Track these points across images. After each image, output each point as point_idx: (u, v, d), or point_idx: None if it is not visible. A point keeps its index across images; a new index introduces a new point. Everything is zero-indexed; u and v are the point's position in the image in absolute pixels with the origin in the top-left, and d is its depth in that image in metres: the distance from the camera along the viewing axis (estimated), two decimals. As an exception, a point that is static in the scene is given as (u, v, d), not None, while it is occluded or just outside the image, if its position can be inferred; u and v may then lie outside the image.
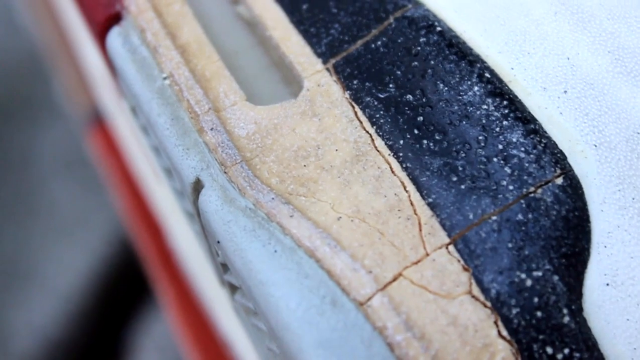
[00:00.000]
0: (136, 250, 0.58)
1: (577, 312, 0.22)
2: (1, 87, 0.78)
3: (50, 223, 0.72)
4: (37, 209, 0.72)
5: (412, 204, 0.23)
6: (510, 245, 0.22)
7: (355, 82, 0.25)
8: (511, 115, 0.23)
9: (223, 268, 0.25)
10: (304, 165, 0.24)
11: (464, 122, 0.24)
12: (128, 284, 0.66)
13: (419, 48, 0.25)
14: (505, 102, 0.24)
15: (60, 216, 0.72)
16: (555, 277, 0.22)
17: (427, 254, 0.22)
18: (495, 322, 0.21)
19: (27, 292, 0.69)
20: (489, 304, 0.21)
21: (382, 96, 0.24)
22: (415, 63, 0.25)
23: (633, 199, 0.23)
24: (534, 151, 0.23)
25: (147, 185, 0.42)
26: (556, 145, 0.23)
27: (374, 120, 0.24)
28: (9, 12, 0.78)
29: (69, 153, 0.76)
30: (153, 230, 0.40)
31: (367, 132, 0.24)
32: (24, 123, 0.77)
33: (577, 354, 0.21)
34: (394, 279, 0.22)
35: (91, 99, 0.48)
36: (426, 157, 0.23)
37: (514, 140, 0.23)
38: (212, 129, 0.24)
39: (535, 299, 0.21)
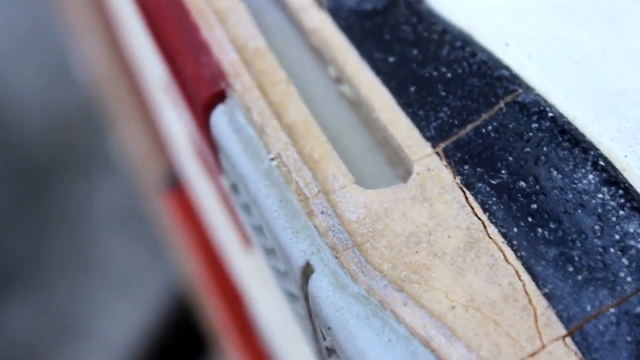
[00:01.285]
0: (194, 309, 0.58)
1: None
2: (57, 140, 0.79)
3: (104, 278, 0.72)
4: (91, 263, 0.73)
5: (527, 293, 0.23)
6: (629, 338, 0.22)
7: (466, 167, 0.25)
8: (627, 205, 0.24)
9: (328, 352, 0.26)
10: (416, 252, 0.24)
11: (579, 211, 0.24)
12: (183, 342, 0.67)
13: (531, 134, 0.25)
14: (620, 191, 0.24)
15: (115, 271, 0.73)
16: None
17: (544, 346, 0.22)
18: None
19: (80, 347, 0.70)
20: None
21: (494, 182, 0.25)
22: (528, 149, 0.25)
23: None
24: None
25: (225, 253, 0.42)
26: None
27: (486, 206, 0.24)
28: (64, 64, 0.79)
29: (124, 208, 0.77)
30: (229, 298, 0.40)
31: (479, 218, 0.24)
32: (79, 177, 0.78)
33: None
34: (514, 373, 0.22)
35: (166, 162, 0.49)
36: (541, 245, 0.23)
37: (631, 230, 0.23)
38: (322, 212, 0.24)
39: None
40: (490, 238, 0.24)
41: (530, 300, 0.23)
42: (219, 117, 0.27)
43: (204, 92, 0.27)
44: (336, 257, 0.24)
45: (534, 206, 0.24)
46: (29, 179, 0.79)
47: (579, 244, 0.23)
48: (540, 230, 0.23)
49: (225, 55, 0.27)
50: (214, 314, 0.42)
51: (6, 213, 0.78)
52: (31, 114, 0.80)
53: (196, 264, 0.42)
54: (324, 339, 0.25)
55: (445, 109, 0.26)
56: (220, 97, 0.27)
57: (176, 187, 0.44)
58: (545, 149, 0.25)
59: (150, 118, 0.50)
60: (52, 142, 0.80)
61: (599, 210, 0.23)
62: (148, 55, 0.35)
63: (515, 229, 0.24)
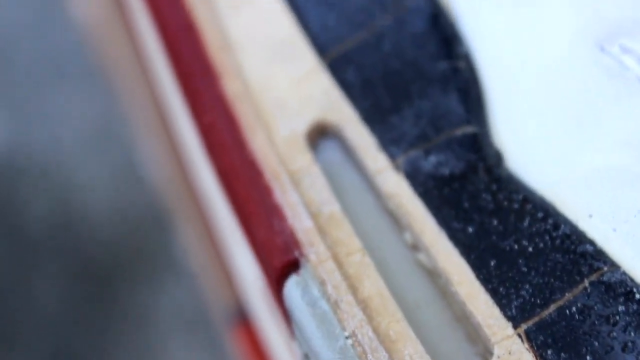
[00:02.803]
0: None
1: None
2: (123, 240, 0.80)
3: (169, 385, 0.72)
4: (156, 369, 0.73)
5: None
6: None
7: (549, 352, 0.24)
8: None
9: None
10: None
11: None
12: None
13: (617, 317, 0.24)
14: None
15: (180, 378, 0.73)
16: None
17: None
18: None
19: None
20: None
21: (579, 370, 0.24)
22: (614, 334, 0.24)
23: None
24: None
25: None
26: None
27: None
28: (132, 163, 0.80)
29: (190, 312, 0.77)
30: None
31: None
32: (146, 279, 0.78)
33: None
34: None
35: (235, 296, 0.49)
36: None
37: None
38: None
39: None
40: None
41: None
42: (292, 288, 0.27)
43: (277, 261, 0.27)
44: None
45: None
46: (96, 279, 0.80)
47: None
48: None
49: (299, 221, 0.27)
50: None
51: (72, 313, 0.79)
52: (98, 213, 0.81)
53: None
54: None
55: (527, 286, 0.25)
56: (293, 266, 0.27)
57: (242, 319, 0.44)
58: (633, 334, 0.24)
59: (221, 253, 0.50)
60: (119, 242, 0.81)
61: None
62: (217, 199, 0.35)
63: None
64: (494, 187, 0.27)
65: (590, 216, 0.26)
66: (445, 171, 0.28)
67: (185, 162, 0.60)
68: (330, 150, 0.30)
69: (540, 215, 0.26)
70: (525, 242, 0.26)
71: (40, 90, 0.88)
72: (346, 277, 0.26)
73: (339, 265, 0.27)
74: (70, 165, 0.84)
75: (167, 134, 0.64)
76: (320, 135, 0.30)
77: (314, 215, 0.28)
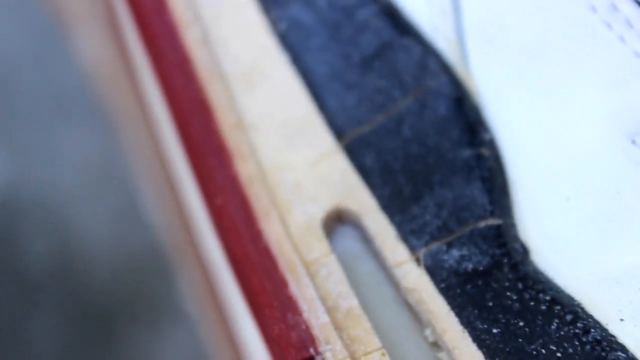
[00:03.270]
0: None
1: None
2: (124, 283, 0.79)
3: None
4: (154, 419, 0.72)
5: None
6: None
7: None
8: None
9: None
10: None
11: None
12: None
13: None
14: None
15: None
16: None
17: None
18: None
19: None
20: None
21: None
22: None
23: None
24: None
25: None
26: None
27: None
28: (134, 205, 0.79)
29: (191, 358, 0.75)
30: None
31: None
32: (146, 325, 0.77)
33: None
34: None
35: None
36: None
37: None
38: None
39: None
40: None
41: None
42: (308, 390, 0.25)
43: (292, 358, 0.26)
44: None
45: None
46: (94, 322, 0.79)
47: None
48: None
49: (315, 316, 0.26)
50: None
51: (69, 357, 0.78)
52: (98, 256, 0.80)
53: None
54: None
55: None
56: (309, 364, 0.26)
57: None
58: None
59: (223, 313, 0.49)
60: (119, 285, 0.79)
61: None
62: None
63: None
64: (520, 285, 0.26)
65: (622, 320, 0.25)
66: (469, 266, 0.27)
67: (186, 212, 0.59)
68: (348, 238, 0.29)
69: (569, 318, 0.25)
70: (553, 347, 0.25)
71: (41, 129, 0.87)
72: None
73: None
74: (71, 207, 0.83)
75: (169, 181, 0.63)
76: (337, 221, 0.29)
77: (331, 310, 0.27)
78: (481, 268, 0.27)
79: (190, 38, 0.31)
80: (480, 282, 0.26)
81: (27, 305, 0.77)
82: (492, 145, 0.28)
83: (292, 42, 0.31)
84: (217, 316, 0.57)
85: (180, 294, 0.74)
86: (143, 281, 0.79)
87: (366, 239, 0.28)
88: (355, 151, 0.29)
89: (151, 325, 0.77)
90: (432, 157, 0.28)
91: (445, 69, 0.29)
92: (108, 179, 0.83)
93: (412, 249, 0.27)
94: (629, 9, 0.28)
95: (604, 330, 0.25)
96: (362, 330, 0.26)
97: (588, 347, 0.25)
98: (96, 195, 0.82)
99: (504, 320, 0.26)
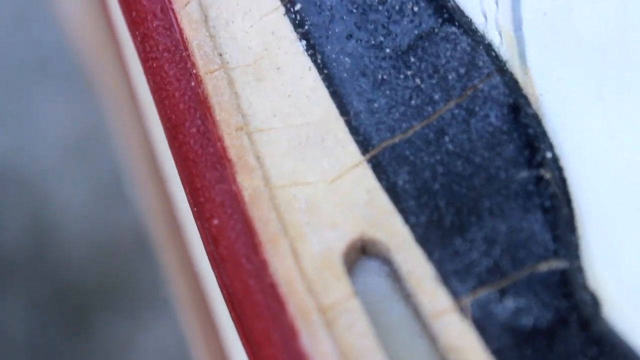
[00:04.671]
0: None
1: None
2: (102, 268, 0.74)
3: None
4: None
5: None
6: None
7: None
8: None
9: None
10: None
11: None
12: None
13: None
14: None
15: None
16: None
17: None
18: None
19: None
20: None
21: None
22: None
23: None
24: None
25: None
26: None
27: None
28: (117, 180, 0.74)
29: (173, 350, 0.71)
30: None
31: None
32: (125, 312, 0.73)
33: None
34: None
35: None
36: None
37: None
38: None
39: None
40: None
41: None
42: None
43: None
44: None
45: None
46: (70, 309, 0.74)
47: None
48: None
49: (333, 378, 0.21)
50: None
51: (42, 346, 0.73)
52: (76, 234, 0.76)
53: None
54: None
55: None
56: None
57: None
58: None
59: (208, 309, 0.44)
60: (97, 268, 0.75)
61: None
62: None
63: None
64: (592, 350, 0.21)
65: None
66: (527, 322, 0.22)
67: (173, 195, 0.54)
68: (374, 276, 0.24)
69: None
70: None
71: (17, 92, 0.82)
72: None
73: None
74: (47, 178, 0.78)
75: (156, 159, 0.58)
76: (361, 254, 0.24)
77: (353, 371, 0.22)
78: (543, 325, 0.22)
79: (186, 17, 0.26)
80: (541, 344, 0.22)
81: (-3, 286, 0.72)
82: (555, 165, 0.23)
83: (309, 28, 0.25)
84: (200, 306, 0.53)
85: (163, 280, 0.70)
86: (124, 264, 0.74)
87: (397, 277, 0.23)
88: (384, 166, 0.24)
89: (131, 313, 0.72)
90: (480, 178, 0.23)
91: (498, 67, 0.24)
92: (89, 150, 0.78)
93: (456, 295, 0.22)
94: None
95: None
96: (391, 398, 0.21)
97: None
98: (75, 167, 0.77)
99: (571, 395, 0.21)
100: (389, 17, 0.25)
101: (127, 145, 0.69)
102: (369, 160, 0.24)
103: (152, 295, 0.74)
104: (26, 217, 0.77)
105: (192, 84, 0.25)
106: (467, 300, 0.22)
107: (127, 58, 0.49)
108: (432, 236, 0.23)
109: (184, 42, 0.26)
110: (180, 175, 0.25)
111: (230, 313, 0.24)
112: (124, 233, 0.76)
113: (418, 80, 0.25)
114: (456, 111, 0.24)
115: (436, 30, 0.25)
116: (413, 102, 0.25)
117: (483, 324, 0.22)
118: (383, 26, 0.25)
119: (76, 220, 0.77)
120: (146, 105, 0.44)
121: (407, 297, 0.23)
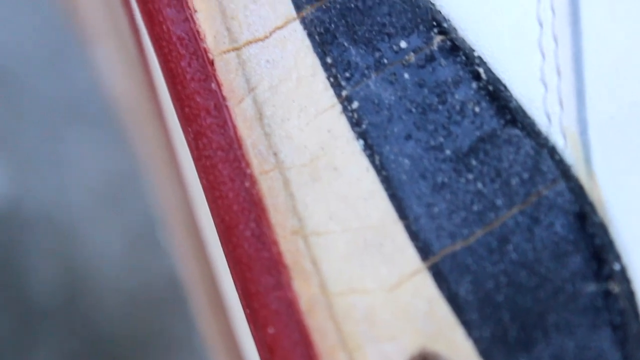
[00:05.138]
0: None
1: None
2: (134, 317, 0.74)
3: None
4: None
5: None
6: None
7: None
8: None
9: None
10: None
11: None
12: None
13: None
14: None
15: None
16: None
17: None
18: None
19: None
20: None
21: None
22: None
23: None
24: None
25: None
26: None
27: None
28: (149, 230, 0.74)
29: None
30: None
31: None
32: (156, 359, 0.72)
33: None
34: None
35: None
36: None
37: None
38: None
39: None
40: None
41: None
42: None
43: None
44: None
45: None
46: (105, 357, 0.74)
47: None
48: None
49: None
50: None
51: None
52: (108, 281, 0.75)
53: None
54: None
55: None
56: None
57: None
58: None
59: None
60: (130, 317, 0.74)
61: None
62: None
63: None
64: None
65: None
66: None
67: (208, 247, 0.54)
68: (435, 391, 0.23)
69: None
70: None
71: (49, 135, 0.82)
72: None
73: None
74: (80, 225, 0.78)
75: (189, 205, 0.58)
76: (422, 367, 0.23)
77: None
78: None
79: (240, 114, 0.25)
80: None
81: (29, 335, 0.72)
82: (624, 278, 0.23)
83: (367, 127, 0.25)
84: (234, 356, 0.53)
85: (197, 329, 0.69)
86: (157, 313, 0.74)
87: (459, 394, 0.22)
88: (445, 274, 0.23)
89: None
90: (546, 291, 0.23)
91: (562, 172, 0.24)
92: (122, 196, 0.78)
93: (521, 415, 0.21)
94: None
95: None
96: None
97: None
98: (108, 214, 0.77)
99: None
100: (449, 118, 0.25)
101: (161, 191, 0.69)
102: (430, 268, 0.24)
103: (185, 345, 0.73)
104: (58, 264, 0.77)
105: (247, 184, 0.25)
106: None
107: (161, 103, 0.49)
108: (496, 351, 0.23)
109: (238, 141, 0.25)
110: (233, 277, 0.25)
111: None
112: (158, 281, 0.76)
113: (480, 185, 0.24)
114: (520, 218, 0.24)
115: (498, 132, 0.25)
116: (474, 207, 0.24)
117: None
118: (443, 127, 0.25)
119: (109, 268, 0.77)
120: (181, 158, 0.43)
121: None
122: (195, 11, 0.26)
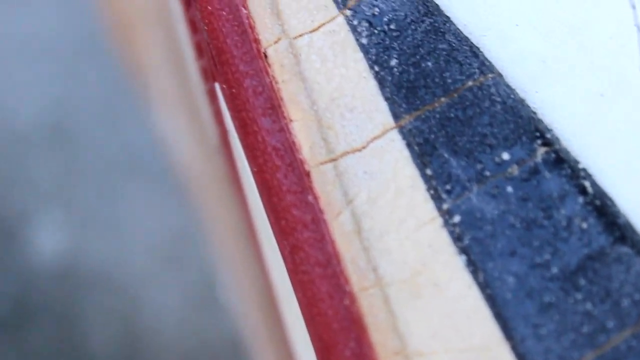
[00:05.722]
0: None
1: None
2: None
3: None
4: None
5: None
6: None
7: None
8: None
9: None
10: None
11: None
12: None
13: None
14: None
15: None
16: None
17: None
18: None
19: None
20: None
21: None
22: None
23: None
24: None
25: None
26: None
27: None
28: (209, 289, 0.74)
29: None
30: None
31: None
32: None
33: None
34: None
35: None
36: None
37: None
38: None
39: None
40: None
41: None
42: None
43: None
44: None
45: None
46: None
47: None
48: None
49: None
50: None
51: None
52: (170, 342, 0.75)
53: None
54: None
55: None
56: None
57: None
58: None
59: None
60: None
61: None
62: None
63: None
64: None
65: None
66: None
67: (275, 303, 0.53)
68: None
69: None
70: None
71: (108, 192, 0.83)
72: None
73: None
74: (139, 284, 0.78)
75: (259, 267, 0.58)
76: None
77: None
78: None
79: (338, 228, 0.25)
80: None
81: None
82: None
83: (469, 242, 0.24)
84: None
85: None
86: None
87: None
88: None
89: None
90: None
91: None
92: (181, 254, 0.78)
93: None
94: None
95: None
96: None
97: None
98: (168, 273, 0.77)
99: None
100: (555, 234, 0.24)
101: (222, 249, 0.69)
102: (538, 394, 0.23)
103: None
104: (118, 324, 0.77)
105: (346, 302, 0.25)
106: None
107: (237, 174, 0.48)
108: None
109: (336, 256, 0.25)
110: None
111: None
112: (218, 341, 0.76)
113: (589, 305, 0.24)
114: (633, 342, 0.23)
115: (607, 250, 0.24)
116: (584, 329, 0.24)
117: None
118: (549, 243, 0.24)
119: (168, 327, 0.77)
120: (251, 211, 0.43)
121: None
122: (291, 121, 0.26)
